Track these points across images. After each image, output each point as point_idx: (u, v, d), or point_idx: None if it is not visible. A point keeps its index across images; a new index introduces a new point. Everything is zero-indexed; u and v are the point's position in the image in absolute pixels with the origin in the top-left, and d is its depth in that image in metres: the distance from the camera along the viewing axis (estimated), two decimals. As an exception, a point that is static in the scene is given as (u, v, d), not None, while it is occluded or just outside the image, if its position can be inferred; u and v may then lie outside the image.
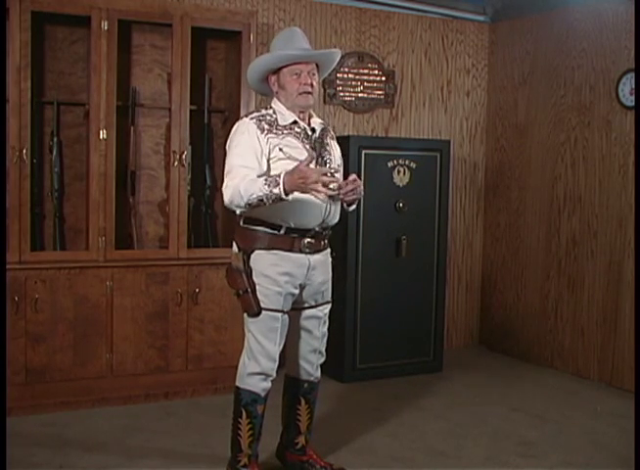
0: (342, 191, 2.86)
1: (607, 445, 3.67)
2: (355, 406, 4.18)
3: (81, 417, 3.85)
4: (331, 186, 2.72)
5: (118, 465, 3.29)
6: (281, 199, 2.69)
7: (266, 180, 2.70)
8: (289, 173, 2.68)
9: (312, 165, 2.82)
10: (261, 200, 2.70)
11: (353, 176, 2.91)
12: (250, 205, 2.74)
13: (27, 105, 3.79)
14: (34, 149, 3.97)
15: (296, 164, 2.75)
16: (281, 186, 2.66)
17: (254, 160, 2.82)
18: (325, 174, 2.68)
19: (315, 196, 2.76)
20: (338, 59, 3.05)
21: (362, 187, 2.94)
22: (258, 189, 2.69)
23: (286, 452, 3.26)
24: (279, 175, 2.69)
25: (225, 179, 2.84)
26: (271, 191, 2.67)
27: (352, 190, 2.88)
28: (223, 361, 4.21)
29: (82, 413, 3.90)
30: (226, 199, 2.79)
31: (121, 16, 3.95)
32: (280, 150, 2.85)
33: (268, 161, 2.85)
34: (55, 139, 4.10)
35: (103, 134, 3.94)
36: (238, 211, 2.91)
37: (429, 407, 4.17)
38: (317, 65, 2.97)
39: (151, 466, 3.29)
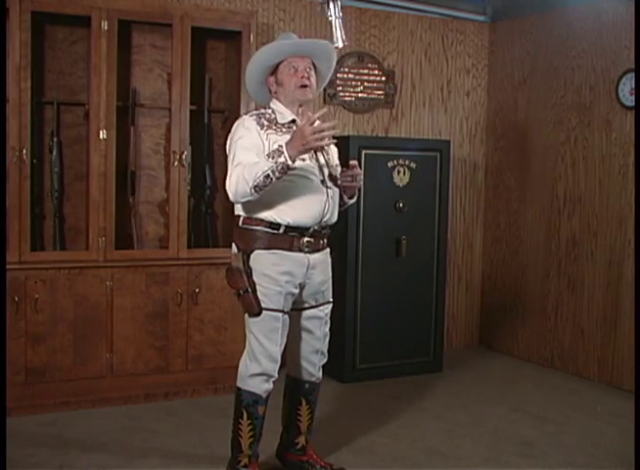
0: (341, 177, 2.93)
1: (607, 445, 3.67)
2: (355, 406, 4.17)
3: (81, 417, 3.85)
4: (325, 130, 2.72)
5: (118, 465, 3.29)
6: (288, 167, 2.71)
7: (268, 155, 2.74)
8: (289, 141, 2.73)
9: (310, 163, 2.92)
10: (267, 176, 2.71)
11: (354, 162, 2.95)
12: (256, 187, 2.73)
13: (27, 105, 3.79)
14: (34, 149, 3.97)
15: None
16: (285, 154, 2.69)
17: (253, 153, 2.84)
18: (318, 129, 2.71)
19: (319, 148, 2.81)
20: (332, 54, 3.04)
21: (362, 176, 2.98)
22: (263, 165, 2.71)
23: (286, 452, 3.26)
24: (280, 146, 2.73)
25: (228, 174, 2.85)
26: (276, 162, 2.70)
27: (352, 176, 2.94)
28: (223, 361, 4.21)
29: (82, 413, 3.90)
30: (231, 189, 2.79)
31: (121, 16, 3.95)
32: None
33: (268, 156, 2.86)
34: (55, 139, 4.10)
35: (103, 134, 3.94)
36: (237, 211, 2.96)
37: (429, 407, 4.17)
38: (315, 65, 2.99)
39: (151, 466, 3.29)
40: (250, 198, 2.78)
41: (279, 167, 2.70)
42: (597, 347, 4.74)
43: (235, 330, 4.20)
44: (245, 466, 3.02)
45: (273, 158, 2.71)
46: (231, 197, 2.82)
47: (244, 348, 3.02)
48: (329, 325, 3.17)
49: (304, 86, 2.92)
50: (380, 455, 3.47)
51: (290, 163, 2.70)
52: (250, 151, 2.83)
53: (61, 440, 3.55)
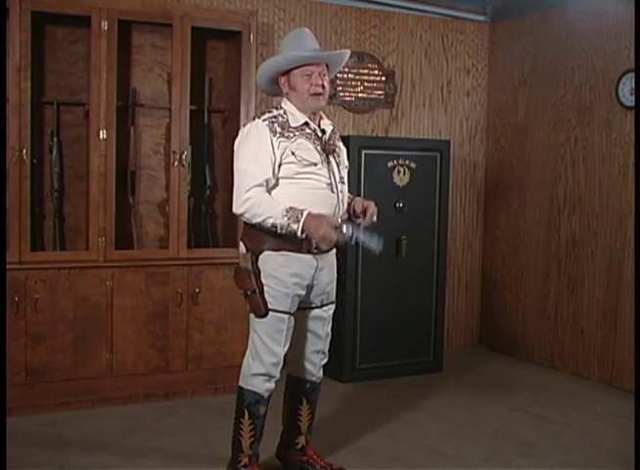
0: (361, 221, 2.98)
1: (607, 445, 3.67)
2: (355, 406, 4.18)
3: (81, 417, 3.85)
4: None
5: (118, 465, 3.29)
6: (295, 234, 2.78)
7: (287, 212, 2.77)
8: (311, 216, 2.76)
9: (322, 167, 2.90)
10: (276, 227, 2.79)
11: (373, 210, 2.98)
12: (259, 223, 2.82)
13: (27, 105, 3.79)
14: (34, 149, 3.97)
15: (306, 166, 2.85)
16: (300, 225, 2.76)
17: (268, 166, 2.83)
18: (335, 228, 2.80)
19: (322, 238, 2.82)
20: (347, 59, 3.07)
21: (376, 214, 3.02)
22: (277, 216, 2.77)
23: (286, 452, 3.26)
24: (302, 212, 2.77)
25: (239, 186, 2.85)
26: (289, 225, 2.77)
27: (370, 217, 2.98)
28: (223, 361, 4.22)
29: (82, 413, 3.90)
30: (241, 209, 2.83)
31: (121, 16, 3.95)
32: (292, 154, 2.85)
33: (280, 165, 2.86)
34: (55, 139, 4.10)
35: (103, 134, 3.94)
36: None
37: (429, 407, 4.17)
38: (327, 65, 2.97)
39: (151, 466, 3.30)
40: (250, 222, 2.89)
41: (289, 229, 2.78)
42: (597, 347, 4.74)
43: (235, 330, 4.20)
44: (245, 466, 3.02)
45: (290, 218, 2.76)
46: (238, 212, 2.86)
47: (244, 347, 3.02)
48: (331, 325, 3.17)
49: (318, 94, 2.90)
50: (379, 455, 3.47)
51: (299, 234, 2.77)
52: (262, 162, 2.82)
53: (61, 440, 3.56)
